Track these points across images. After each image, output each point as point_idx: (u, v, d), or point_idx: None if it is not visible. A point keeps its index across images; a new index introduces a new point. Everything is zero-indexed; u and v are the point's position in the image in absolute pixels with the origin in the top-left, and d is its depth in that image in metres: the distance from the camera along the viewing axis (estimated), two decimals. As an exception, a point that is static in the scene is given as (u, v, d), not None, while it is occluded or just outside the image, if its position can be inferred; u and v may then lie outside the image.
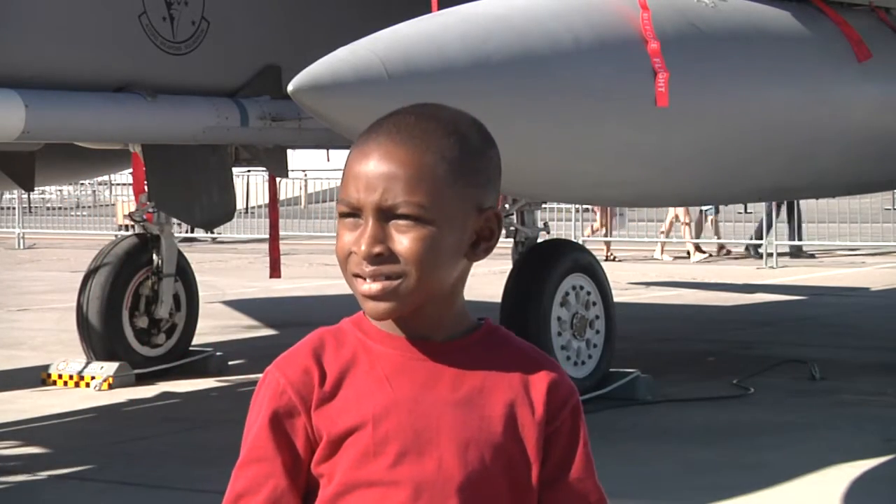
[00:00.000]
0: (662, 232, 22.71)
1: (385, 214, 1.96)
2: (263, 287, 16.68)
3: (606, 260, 21.47)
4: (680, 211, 21.93)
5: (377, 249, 1.96)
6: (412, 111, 2.04)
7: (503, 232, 2.10)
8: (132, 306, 10.52)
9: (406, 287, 1.97)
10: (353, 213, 1.99)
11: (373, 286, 1.98)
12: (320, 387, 2.03)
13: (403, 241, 1.96)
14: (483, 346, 2.06)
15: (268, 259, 11.74)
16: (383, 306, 1.98)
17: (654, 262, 21.84)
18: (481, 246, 2.04)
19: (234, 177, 10.91)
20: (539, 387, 2.05)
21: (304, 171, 30.54)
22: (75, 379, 10.03)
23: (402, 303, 1.99)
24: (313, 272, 19.57)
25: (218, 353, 10.87)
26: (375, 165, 1.97)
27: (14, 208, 27.15)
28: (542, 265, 9.34)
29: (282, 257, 11.87)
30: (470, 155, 2.01)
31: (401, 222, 1.96)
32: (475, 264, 2.11)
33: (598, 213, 22.31)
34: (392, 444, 1.99)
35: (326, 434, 2.01)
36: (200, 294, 11.20)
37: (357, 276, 1.99)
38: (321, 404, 2.02)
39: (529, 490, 2.03)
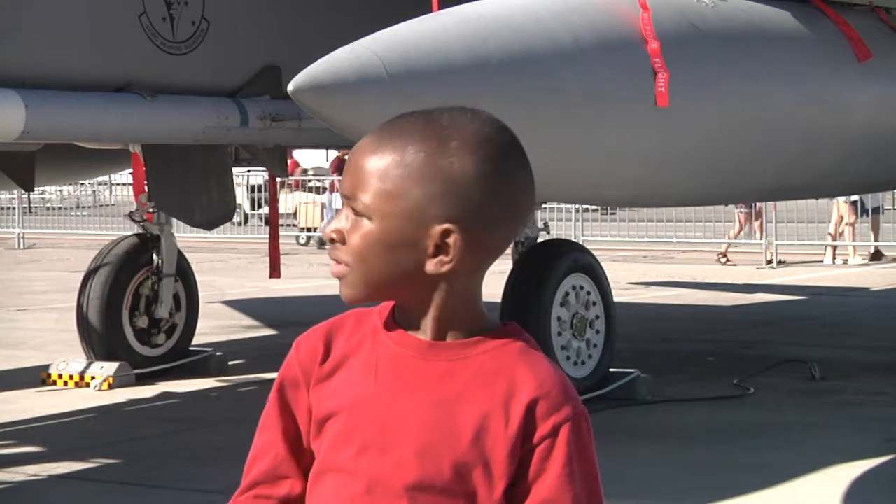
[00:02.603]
0: (830, 234, 21.44)
1: (348, 204, 2.00)
2: (263, 287, 16.68)
3: (725, 263, 20.85)
4: (845, 211, 20.86)
5: (332, 235, 2.00)
6: (426, 111, 2.02)
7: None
8: (132, 306, 10.51)
9: (353, 277, 2.00)
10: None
11: (333, 269, 2.02)
12: (320, 366, 2.06)
13: (352, 234, 1.98)
14: (488, 354, 2.02)
15: (267, 259, 11.75)
16: (344, 291, 2.02)
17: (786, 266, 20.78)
18: (437, 258, 1.96)
19: (234, 177, 10.92)
20: (520, 401, 1.98)
21: (304, 170, 30.62)
22: (75, 379, 10.03)
23: (355, 291, 2.00)
24: (313, 272, 19.58)
25: (218, 353, 10.86)
26: (352, 157, 2.01)
27: (14, 208, 27.16)
28: (542, 265, 9.33)
29: (282, 257, 11.87)
30: (432, 164, 1.95)
31: (355, 216, 1.99)
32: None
33: (741, 215, 21.31)
34: (357, 435, 2.00)
35: (315, 413, 2.05)
36: (200, 294, 11.20)
37: None
38: (318, 383, 2.06)
39: None
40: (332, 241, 2.00)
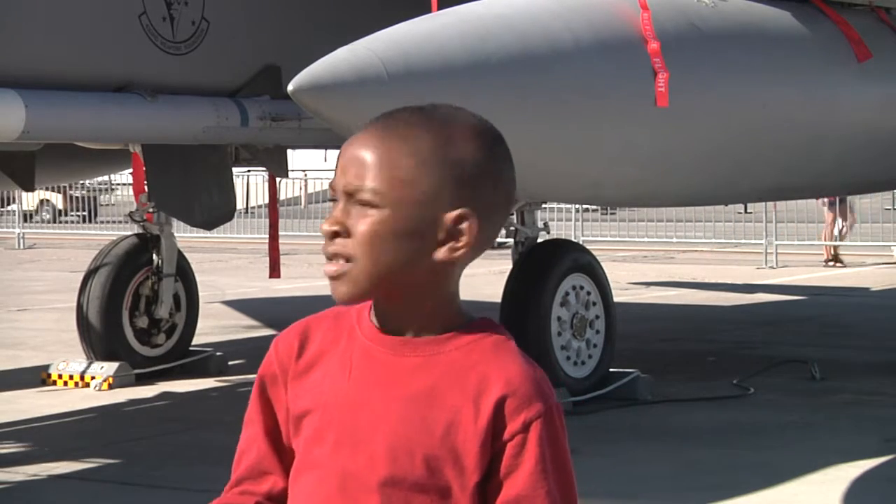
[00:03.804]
0: None
1: (351, 198, 1.98)
2: (263, 287, 16.68)
3: (829, 264, 20.44)
4: None
5: (334, 228, 1.98)
6: (413, 106, 2.04)
7: (487, 235, 2.04)
8: (132, 306, 10.51)
9: (357, 271, 1.97)
10: (335, 197, 2.02)
11: (330, 267, 1.99)
12: (296, 362, 2.08)
13: (359, 224, 1.97)
14: (460, 350, 2.02)
15: (267, 259, 11.75)
16: (341, 289, 1.99)
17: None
18: (447, 245, 1.98)
19: (234, 177, 10.92)
20: (490, 397, 1.98)
21: (304, 171, 30.60)
22: (75, 379, 10.03)
23: (356, 287, 1.98)
24: (313, 272, 19.56)
25: (218, 353, 10.87)
26: (351, 150, 2.00)
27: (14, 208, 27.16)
28: (542, 265, 9.34)
29: (282, 257, 11.87)
30: (443, 152, 1.98)
31: (361, 207, 1.98)
32: (474, 264, 2.10)
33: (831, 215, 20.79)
34: (331, 432, 2.01)
35: (292, 410, 2.07)
36: (200, 294, 11.21)
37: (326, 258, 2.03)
38: (293, 379, 2.08)
39: (461, 501, 1.99)
40: (335, 235, 1.98)
